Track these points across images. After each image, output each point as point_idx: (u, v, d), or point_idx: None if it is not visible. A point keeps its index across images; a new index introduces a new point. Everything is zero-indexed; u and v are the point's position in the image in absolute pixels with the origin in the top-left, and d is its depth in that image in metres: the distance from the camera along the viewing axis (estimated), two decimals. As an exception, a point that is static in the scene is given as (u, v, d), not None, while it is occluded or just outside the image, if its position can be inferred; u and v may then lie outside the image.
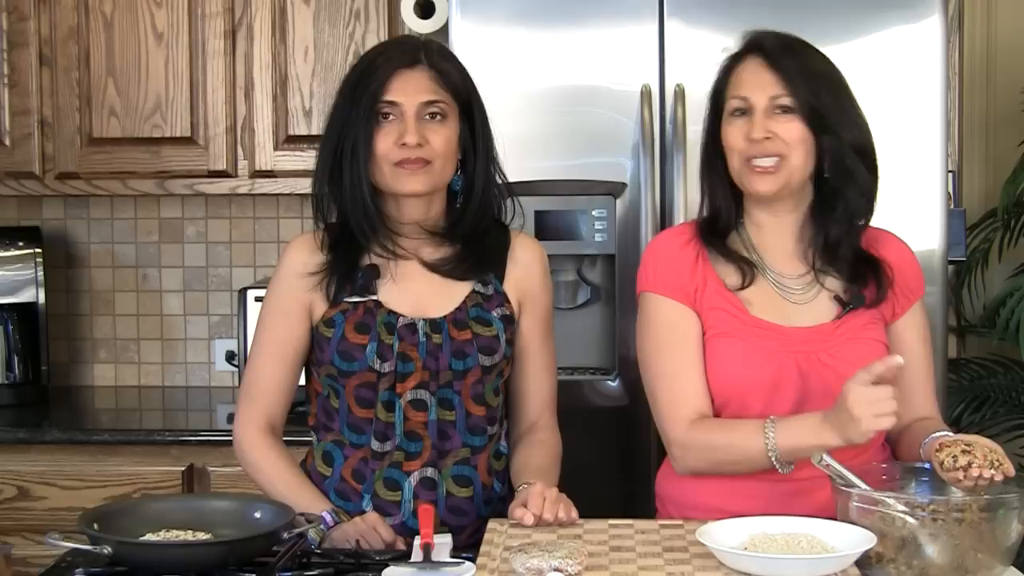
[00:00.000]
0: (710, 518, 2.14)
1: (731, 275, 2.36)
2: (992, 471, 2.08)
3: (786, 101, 2.30)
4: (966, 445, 2.12)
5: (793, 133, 2.29)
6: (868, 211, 2.37)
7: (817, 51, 2.36)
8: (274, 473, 2.37)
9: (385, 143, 2.31)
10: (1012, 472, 2.10)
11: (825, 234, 2.36)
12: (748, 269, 2.36)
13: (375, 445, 2.35)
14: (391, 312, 2.35)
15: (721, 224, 2.39)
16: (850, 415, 2.12)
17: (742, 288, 2.35)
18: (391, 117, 2.31)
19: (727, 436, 2.30)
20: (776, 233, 2.38)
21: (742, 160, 2.32)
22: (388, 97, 2.30)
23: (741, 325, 2.33)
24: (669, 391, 2.35)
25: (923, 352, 2.43)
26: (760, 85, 2.31)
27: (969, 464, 2.09)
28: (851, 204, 2.33)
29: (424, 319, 2.35)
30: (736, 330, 2.33)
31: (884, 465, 2.25)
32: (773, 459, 2.24)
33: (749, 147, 2.31)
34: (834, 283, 2.38)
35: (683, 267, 2.37)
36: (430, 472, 2.35)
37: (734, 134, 2.33)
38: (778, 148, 2.29)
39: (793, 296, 2.37)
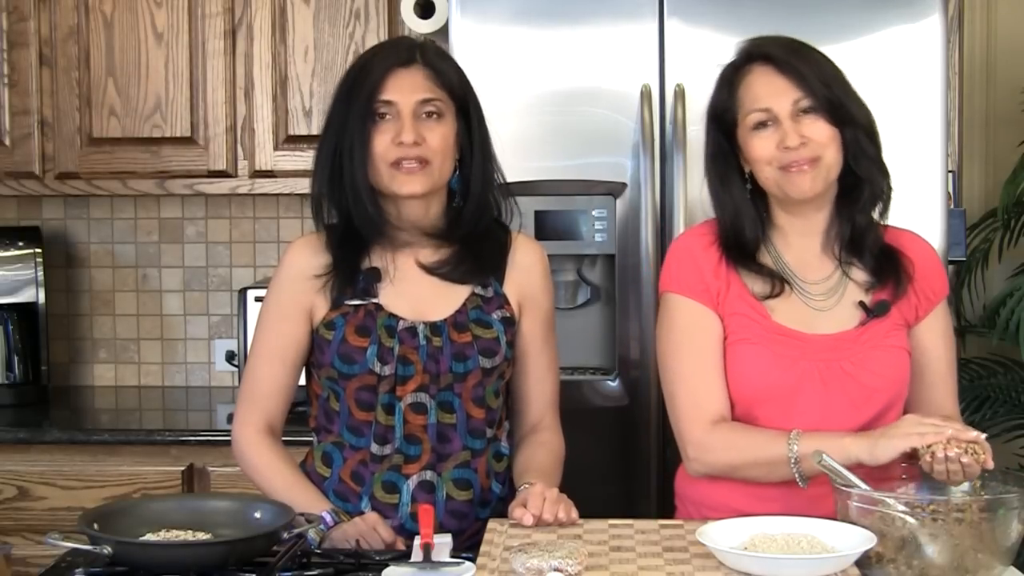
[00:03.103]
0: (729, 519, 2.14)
1: (758, 284, 2.35)
2: (957, 451, 2.08)
3: (807, 103, 2.29)
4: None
5: (823, 132, 2.29)
6: (888, 190, 2.37)
7: (813, 47, 2.36)
8: (273, 474, 2.37)
9: (382, 142, 2.31)
10: (991, 464, 2.10)
11: (852, 225, 2.35)
12: (778, 282, 2.35)
13: (375, 448, 2.35)
14: (391, 315, 2.35)
15: (749, 245, 2.37)
16: (889, 428, 2.15)
17: (770, 297, 2.34)
18: (387, 117, 2.32)
19: (750, 437, 2.29)
20: (803, 235, 2.37)
21: (776, 168, 2.31)
22: (384, 96, 2.30)
23: (763, 331, 2.32)
24: (688, 393, 2.34)
25: (945, 355, 2.42)
26: (778, 92, 2.30)
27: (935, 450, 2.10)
28: (875, 187, 2.34)
29: (424, 322, 2.35)
30: (758, 336, 2.32)
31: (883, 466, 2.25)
32: (792, 463, 2.22)
33: (784, 155, 2.29)
34: (859, 275, 2.36)
35: (706, 268, 2.36)
36: (429, 475, 2.35)
37: (763, 146, 2.31)
38: (812, 151, 2.29)
39: (817, 303, 2.35)
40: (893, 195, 2.39)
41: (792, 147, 2.28)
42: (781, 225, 2.38)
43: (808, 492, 2.23)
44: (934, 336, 2.40)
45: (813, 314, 2.35)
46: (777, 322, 2.33)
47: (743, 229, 2.37)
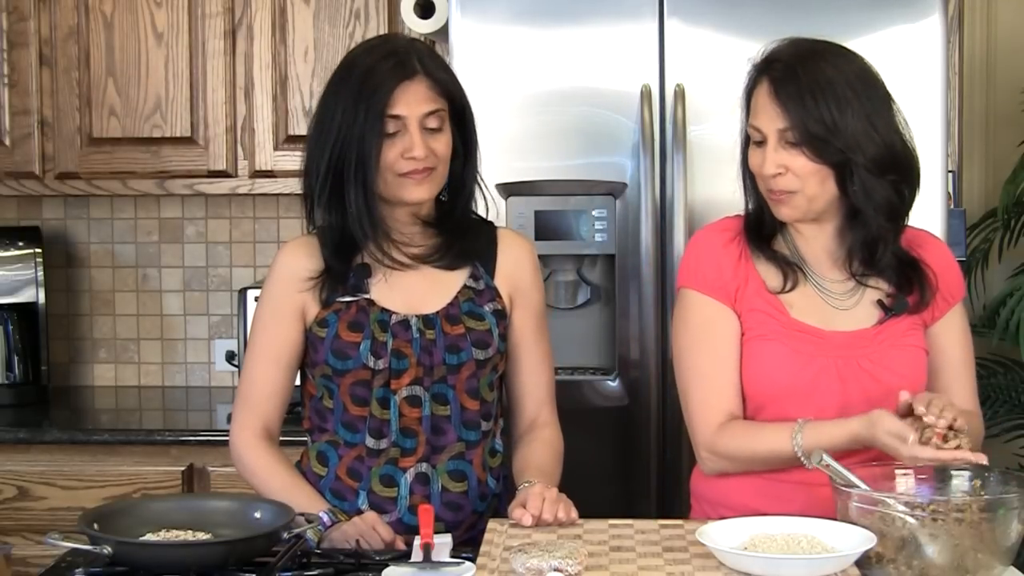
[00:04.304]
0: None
1: (773, 277, 2.35)
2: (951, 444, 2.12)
3: (791, 137, 2.24)
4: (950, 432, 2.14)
5: (804, 167, 2.25)
6: (894, 227, 2.31)
7: (834, 55, 2.28)
8: (270, 476, 2.37)
9: (391, 154, 2.31)
10: (977, 458, 2.12)
11: (863, 239, 2.31)
12: (791, 273, 2.34)
13: (370, 443, 2.36)
14: (384, 310, 2.36)
15: (767, 227, 2.36)
16: (873, 430, 2.16)
17: (783, 291, 2.34)
18: (394, 129, 2.32)
19: (757, 434, 2.29)
20: (817, 238, 2.35)
21: (764, 187, 2.31)
22: (393, 111, 2.30)
23: (781, 328, 2.31)
24: (701, 391, 2.34)
25: (961, 355, 2.40)
26: (769, 117, 2.26)
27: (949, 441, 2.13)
28: (870, 223, 2.28)
29: (417, 315, 2.36)
30: (775, 333, 2.31)
31: (884, 465, 2.25)
32: (799, 455, 2.22)
33: (763, 180, 2.29)
34: (879, 284, 2.35)
35: (725, 265, 2.35)
36: (424, 468, 2.36)
37: (754, 160, 2.31)
38: (789, 183, 2.26)
39: (835, 300, 2.34)
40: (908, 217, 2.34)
41: (768, 175, 2.27)
42: (796, 226, 2.37)
43: (826, 492, 2.19)
44: (950, 337, 2.39)
45: (831, 312, 2.34)
46: (795, 319, 2.32)
47: (764, 214, 2.36)
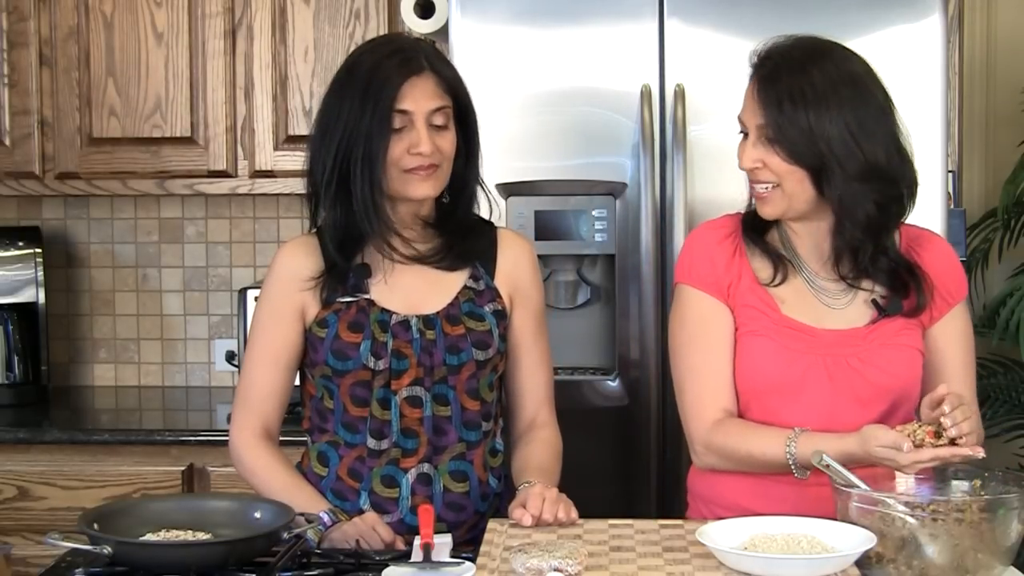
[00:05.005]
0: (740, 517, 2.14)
1: (764, 269, 2.35)
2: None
3: (769, 134, 2.25)
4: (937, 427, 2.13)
5: (779, 166, 2.25)
6: (873, 241, 2.28)
7: (828, 59, 2.26)
8: (270, 476, 2.37)
9: (398, 150, 2.31)
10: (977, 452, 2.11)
11: (852, 244, 2.29)
12: (781, 265, 2.34)
13: (371, 443, 2.36)
14: (384, 310, 2.36)
15: (762, 219, 2.36)
16: (866, 446, 2.13)
17: (773, 283, 2.34)
18: (401, 124, 2.32)
19: (747, 446, 2.28)
20: (808, 235, 2.35)
21: (747, 180, 2.32)
22: (401, 106, 2.30)
23: (771, 324, 2.32)
24: (696, 387, 2.35)
25: (961, 356, 2.38)
26: (750, 112, 2.27)
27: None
28: (846, 232, 2.27)
29: (417, 316, 2.36)
30: (766, 328, 2.31)
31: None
32: (791, 464, 2.23)
33: (745, 172, 2.30)
34: (871, 286, 2.34)
35: (720, 261, 2.35)
36: (426, 468, 2.36)
37: (737, 153, 2.31)
38: (767, 177, 2.27)
39: (828, 298, 2.34)
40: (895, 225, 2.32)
41: (745, 168, 2.28)
42: (789, 223, 2.37)
43: (819, 492, 2.20)
44: (949, 337, 2.38)
45: (824, 309, 2.34)
46: (786, 315, 2.32)
47: None
